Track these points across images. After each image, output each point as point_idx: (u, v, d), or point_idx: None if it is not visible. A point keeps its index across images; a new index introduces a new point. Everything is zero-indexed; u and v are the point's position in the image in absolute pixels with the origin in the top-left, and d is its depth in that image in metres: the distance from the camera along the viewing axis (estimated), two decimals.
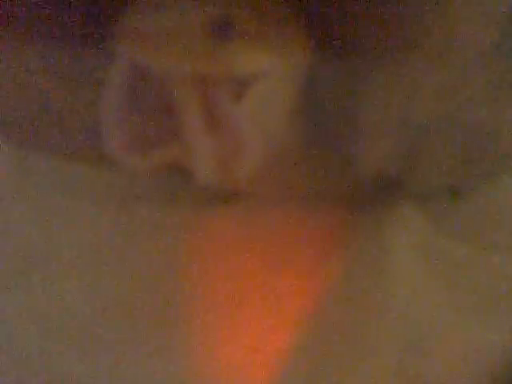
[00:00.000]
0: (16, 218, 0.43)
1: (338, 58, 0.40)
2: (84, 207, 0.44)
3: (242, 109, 0.38)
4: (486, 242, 0.43)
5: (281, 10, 0.40)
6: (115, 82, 0.39)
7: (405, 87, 0.40)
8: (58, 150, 0.45)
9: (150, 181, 0.44)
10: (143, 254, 0.42)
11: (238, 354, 0.41)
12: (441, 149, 0.42)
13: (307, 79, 0.40)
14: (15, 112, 0.45)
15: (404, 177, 0.43)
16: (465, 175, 0.44)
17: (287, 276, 0.42)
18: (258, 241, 0.43)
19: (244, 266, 0.42)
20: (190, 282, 0.42)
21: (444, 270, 0.42)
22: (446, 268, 0.42)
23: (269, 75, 0.39)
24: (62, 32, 0.44)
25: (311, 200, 0.43)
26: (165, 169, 0.40)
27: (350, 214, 0.43)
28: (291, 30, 0.40)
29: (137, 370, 0.40)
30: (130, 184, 0.44)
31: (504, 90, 0.42)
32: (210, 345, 0.41)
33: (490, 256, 0.42)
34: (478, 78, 0.41)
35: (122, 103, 0.38)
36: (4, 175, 0.44)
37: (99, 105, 0.44)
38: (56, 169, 0.45)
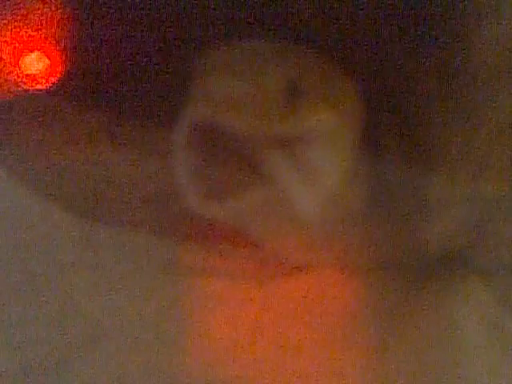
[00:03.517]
0: (79, 286, 0.43)
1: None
2: (145, 278, 0.43)
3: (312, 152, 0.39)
4: None
5: (340, 76, 0.42)
6: (188, 140, 0.39)
7: (475, 161, 0.40)
8: (119, 220, 0.45)
9: (211, 253, 0.44)
10: (205, 329, 0.42)
11: None
12: (507, 224, 0.42)
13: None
14: (80, 183, 0.46)
15: (470, 251, 0.43)
16: None
17: (350, 352, 0.41)
18: (319, 314, 0.43)
19: (305, 341, 0.42)
20: (251, 356, 0.41)
21: None
22: None
23: (330, 131, 0.40)
24: (126, 103, 0.45)
25: (376, 272, 0.43)
26: (243, 216, 0.40)
27: (414, 287, 0.42)
28: (347, 91, 0.42)
29: None
30: (191, 255, 0.44)
31: None
32: None
33: None
34: None
35: (196, 159, 0.39)
36: (68, 244, 0.44)
37: (159, 176, 0.44)
38: (118, 238, 0.45)
